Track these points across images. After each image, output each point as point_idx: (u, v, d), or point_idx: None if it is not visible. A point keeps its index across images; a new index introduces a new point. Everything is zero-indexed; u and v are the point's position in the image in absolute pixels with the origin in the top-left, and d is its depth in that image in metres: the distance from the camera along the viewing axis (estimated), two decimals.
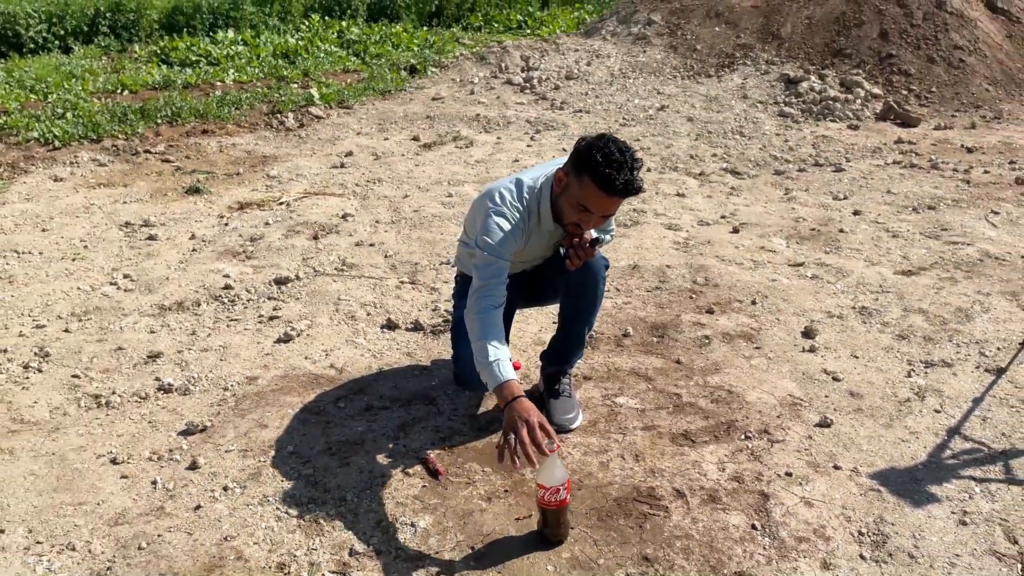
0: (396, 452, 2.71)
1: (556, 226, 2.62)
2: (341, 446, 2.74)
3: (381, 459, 2.67)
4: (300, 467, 2.62)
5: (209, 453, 2.69)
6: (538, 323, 3.68)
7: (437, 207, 5.15)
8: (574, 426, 2.87)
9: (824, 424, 2.93)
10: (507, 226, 2.52)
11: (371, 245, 4.51)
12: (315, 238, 4.61)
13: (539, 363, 3.20)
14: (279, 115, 7.23)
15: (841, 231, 4.87)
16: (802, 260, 4.44)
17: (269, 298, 3.87)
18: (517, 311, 3.01)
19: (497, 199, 2.56)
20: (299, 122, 7.15)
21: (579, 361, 3.11)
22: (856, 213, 5.21)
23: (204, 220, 4.88)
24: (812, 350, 3.48)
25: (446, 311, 3.78)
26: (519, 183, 2.62)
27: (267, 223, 4.80)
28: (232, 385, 3.12)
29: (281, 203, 5.15)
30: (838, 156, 6.52)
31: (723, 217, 5.14)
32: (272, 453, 2.69)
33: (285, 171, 5.83)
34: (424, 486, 2.54)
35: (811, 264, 4.39)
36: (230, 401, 3.01)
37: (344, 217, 4.90)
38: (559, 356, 2.98)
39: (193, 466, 2.62)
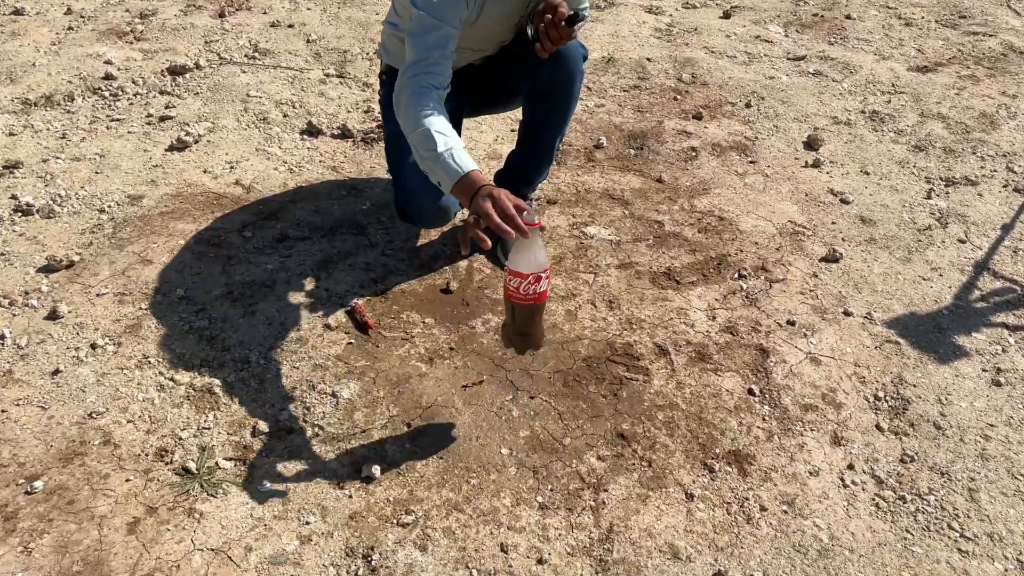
0: (315, 297, 2.18)
1: None
2: (245, 289, 2.19)
3: (296, 307, 2.14)
4: (192, 317, 2.08)
5: (75, 297, 2.13)
6: (493, 131, 3.04)
7: None
8: None
9: (831, 258, 2.46)
10: None
11: (290, 26, 3.70)
12: (220, 15, 3.76)
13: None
14: None
15: (848, 17, 4.17)
16: (803, 53, 3.78)
17: (161, 92, 3.13)
18: (464, 120, 2.37)
19: None
20: None
21: (543, 181, 2.54)
22: None
23: None
24: (816, 165, 2.94)
25: (379, 113, 3.10)
26: None
27: None
28: (110, 206, 2.49)
29: None
30: None
31: None
32: (156, 298, 2.13)
33: None
34: (350, 343, 2.04)
35: (814, 58, 3.74)
36: (106, 227, 2.40)
37: None
38: (520, 175, 2.40)
39: (53, 315, 2.06)
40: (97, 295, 2.14)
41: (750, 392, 1.97)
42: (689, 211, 2.66)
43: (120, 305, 2.11)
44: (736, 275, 2.38)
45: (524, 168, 2.37)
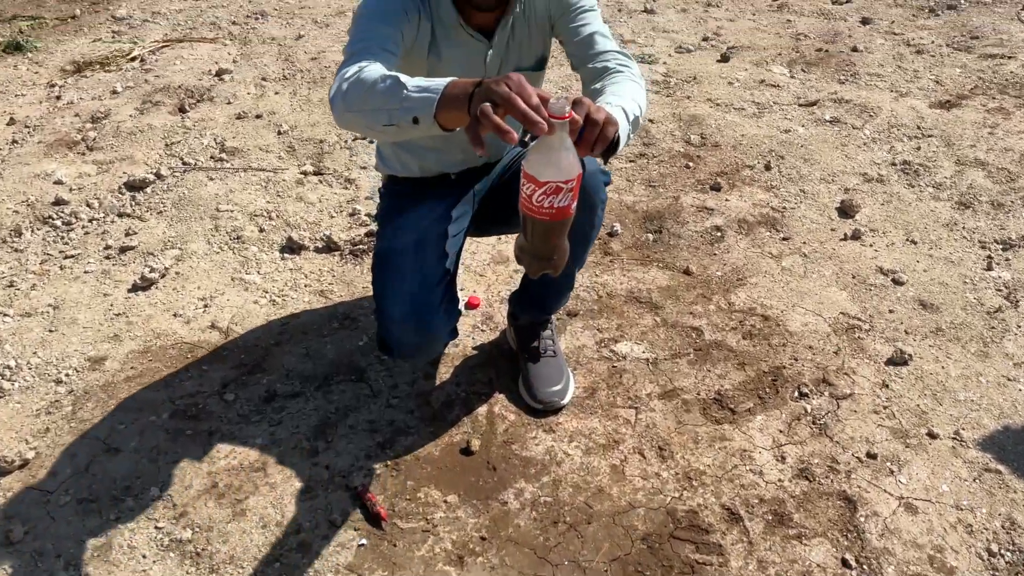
0: (315, 480, 1.85)
1: (477, 36, 1.65)
2: (232, 478, 1.86)
3: (293, 497, 1.81)
4: (171, 526, 1.75)
5: (31, 510, 1.79)
6: None
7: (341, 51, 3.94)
8: (564, 401, 2.03)
9: (899, 360, 2.15)
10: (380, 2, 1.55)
11: (258, 117, 3.37)
12: (181, 110, 3.44)
13: (505, 303, 2.31)
14: None
15: (854, 49, 3.90)
16: (815, 96, 3.49)
17: (120, 214, 2.79)
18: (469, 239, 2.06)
19: None
20: None
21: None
22: (865, 22, 4.21)
23: (28, 93, 3.61)
24: (856, 236, 2.64)
25: (367, 215, 2.79)
26: None
27: (114, 91, 3.58)
28: (68, 374, 2.16)
29: (133, 59, 3.87)
30: None
31: (706, 39, 4.08)
32: (127, 503, 1.80)
33: (136, 8, 4.45)
34: (361, 544, 1.71)
35: (827, 102, 3.45)
36: (64, 404, 2.06)
37: (219, 75, 3.69)
38: (536, 303, 2.08)
39: (7, 540, 1.72)
40: (58, 506, 1.80)
41: (845, 564, 1.65)
42: (728, 311, 2.35)
43: (85, 517, 1.77)
44: (796, 393, 2.07)
45: (540, 296, 2.05)
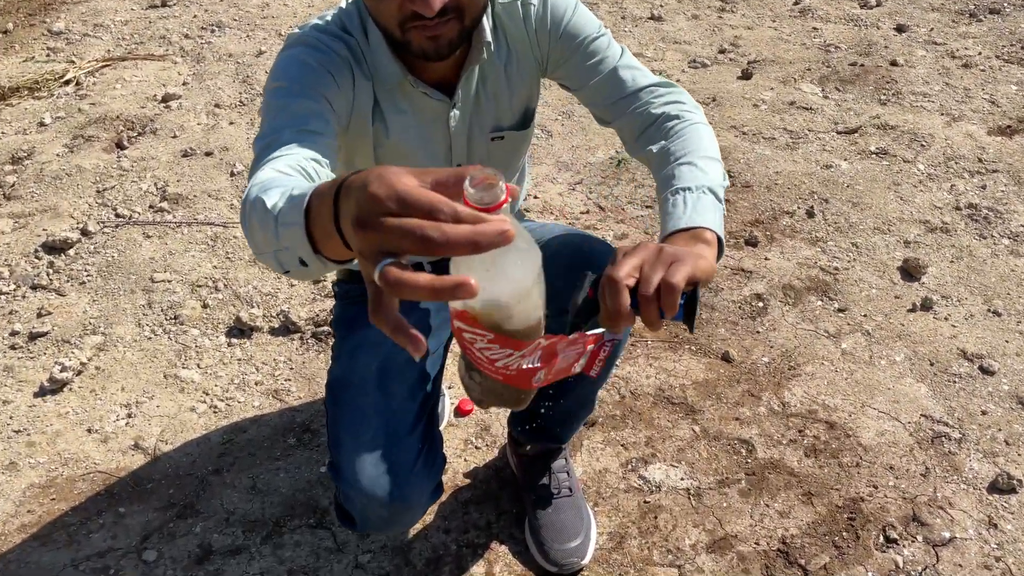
0: None
1: (433, 92, 1.19)
2: None
3: None
4: None
5: None
6: None
7: None
8: (585, 561, 1.57)
9: (1005, 487, 1.70)
10: (302, 54, 1.12)
11: (208, 154, 2.87)
12: (119, 146, 2.93)
13: (504, 425, 1.84)
14: None
15: (893, 64, 3.43)
16: (855, 122, 3.03)
17: (34, 287, 2.30)
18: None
19: (296, 31, 1.18)
20: None
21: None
22: (900, 29, 3.74)
23: None
24: (927, 306, 2.18)
25: (333, 282, 2.30)
26: (340, 7, 1.21)
27: (42, 123, 3.06)
28: None
29: (67, 81, 3.36)
30: None
31: (723, 51, 3.61)
32: None
33: (77, 20, 3.92)
34: None
35: (870, 128, 2.99)
36: None
37: (166, 101, 3.19)
38: (545, 431, 1.60)
39: None
40: None
41: None
42: (782, 415, 1.88)
43: None
44: (881, 539, 1.61)
45: (551, 421, 1.58)
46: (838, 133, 2.97)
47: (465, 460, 1.80)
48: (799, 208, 2.58)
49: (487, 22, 1.17)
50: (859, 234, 2.46)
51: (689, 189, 1.04)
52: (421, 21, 1.01)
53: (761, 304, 2.21)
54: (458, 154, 1.27)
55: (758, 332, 2.13)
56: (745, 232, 2.47)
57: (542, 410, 1.56)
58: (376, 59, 1.15)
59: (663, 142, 1.16)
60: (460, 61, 1.18)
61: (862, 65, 3.43)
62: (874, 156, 2.83)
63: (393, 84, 1.17)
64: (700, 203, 1.02)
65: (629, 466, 1.77)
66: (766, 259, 2.37)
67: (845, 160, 2.81)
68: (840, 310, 2.19)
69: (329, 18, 1.18)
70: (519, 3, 1.20)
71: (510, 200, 0.59)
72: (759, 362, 2.03)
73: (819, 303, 2.22)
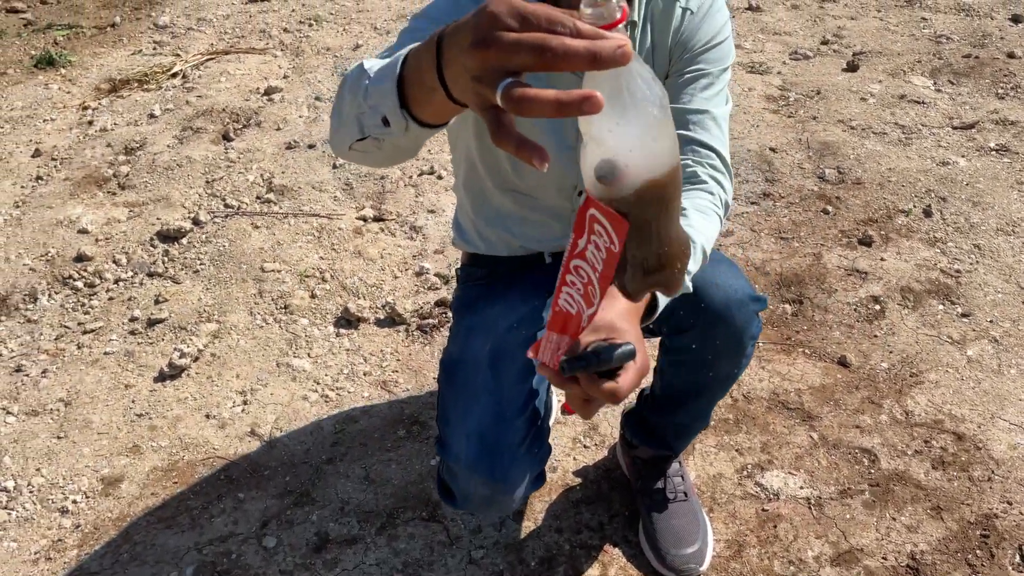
0: None
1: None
2: None
3: None
4: None
5: None
6: None
7: None
8: (703, 567, 1.53)
9: None
10: None
11: (310, 147, 2.92)
12: (225, 138, 3.01)
13: (613, 424, 1.82)
14: None
15: (1011, 56, 3.26)
16: (972, 117, 2.89)
17: (150, 274, 2.37)
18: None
19: None
20: None
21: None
22: (1016, 19, 3.55)
23: (58, 117, 3.23)
24: None
25: (436, 275, 2.32)
26: None
27: (152, 115, 3.17)
28: (75, 501, 1.74)
29: (174, 74, 3.46)
30: None
31: (825, 43, 3.49)
32: None
33: (181, 15, 4.04)
34: None
35: (988, 124, 2.85)
36: (68, 546, 1.65)
37: (268, 94, 3.26)
38: (657, 436, 1.57)
39: None
40: None
41: None
42: (906, 424, 1.81)
43: None
44: (1018, 558, 1.53)
45: (665, 431, 1.54)
46: (954, 128, 2.84)
47: (574, 459, 1.78)
48: (915, 207, 2.47)
49: (638, 5, 1.14)
50: (981, 235, 2.35)
51: (692, 241, 1.03)
52: None
53: (878, 307, 2.13)
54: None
55: (876, 336, 2.05)
56: (858, 231, 2.38)
57: (653, 421, 1.53)
58: None
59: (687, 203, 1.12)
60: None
61: (976, 57, 3.27)
62: (994, 153, 2.69)
63: None
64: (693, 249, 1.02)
65: (745, 472, 1.73)
66: (882, 260, 2.28)
67: (963, 157, 2.68)
68: (964, 315, 2.09)
69: None
70: (679, 5, 1.16)
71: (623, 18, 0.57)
72: (878, 368, 1.96)
73: (941, 307, 2.12)
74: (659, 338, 1.37)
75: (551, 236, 1.37)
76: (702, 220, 1.10)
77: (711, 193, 1.14)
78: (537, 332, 1.34)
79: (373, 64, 0.83)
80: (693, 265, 1.04)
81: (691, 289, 1.11)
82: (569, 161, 1.22)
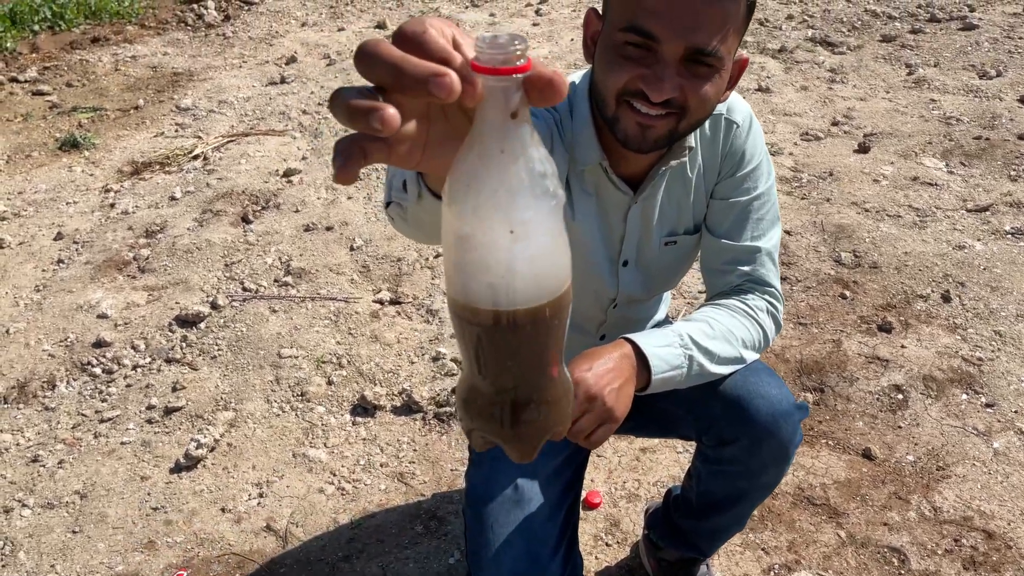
0: None
1: (621, 185, 1.17)
2: None
3: None
4: None
5: None
6: None
7: None
8: None
9: None
10: None
11: (328, 229, 2.96)
12: (244, 220, 3.05)
13: (635, 501, 1.79)
14: (196, 3, 5.39)
15: (1021, 137, 3.29)
16: (986, 200, 2.90)
17: (168, 360, 2.38)
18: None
19: None
20: (223, 13, 5.33)
21: None
22: None
23: (81, 199, 3.29)
24: None
25: (453, 360, 2.31)
26: None
27: (173, 197, 3.22)
28: None
29: (195, 156, 3.54)
30: (957, 3, 4.78)
31: (836, 124, 3.54)
32: None
33: (203, 97, 4.15)
34: None
35: (1001, 206, 2.86)
36: None
37: (287, 175, 3.32)
38: (684, 540, 1.53)
39: None
40: None
41: None
42: (934, 521, 1.77)
43: None
44: None
45: (696, 536, 1.51)
46: (968, 211, 2.85)
47: (596, 558, 1.74)
48: (933, 292, 2.47)
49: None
50: (1002, 321, 2.33)
51: (678, 332, 1.13)
52: (642, 102, 0.99)
53: (901, 396, 2.10)
54: (628, 249, 1.25)
55: (900, 427, 2.02)
56: (877, 317, 2.37)
57: (686, 526, 1.49)
58: (578, 138, 1.14)
59: (720, 299, 1.23)
60: (654, 160, 1.16)
61: (987, 139, 3.30)
62: (1010, 236, 2.70)
63: (587, 167, 1.15)
64: (666, 339, 1.11)
65: (772, 572, 1.68)
66: (902, 347, 2.26)
67: (979, 240, 2.69)
68: (988, 405, 2.07)
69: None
70: (724, 118, 1.18)
71: (526, 70, 0.46)
72: (904, 460, 1.92)
73: (964, 397, 2.09)
74: (694, 443, 1.35)
75: (573, 347, 1.36)
76: (725, 321, 1.17)
77: (746, 302, 1.21)
78: (565, 458, 1.32)
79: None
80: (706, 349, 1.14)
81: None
82: (612, 275, 1.24)
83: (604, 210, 1.21)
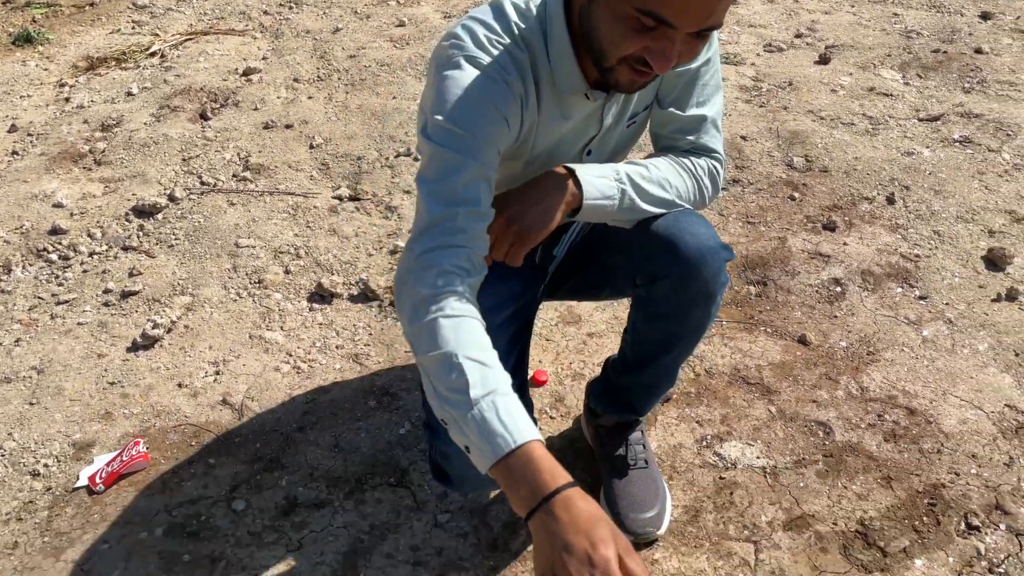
0: None
1: (595, 94, 1.20)
2: None
3: None
4: None
5: None
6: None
7: (384, 47, 3.48)
8: (661, 531, 1.58)
9: None
10: (477, 89, 1.09)
11: (287, 127, 2.94)
12: (202, 116, 3.02)
13: (578, 378, 1.87)
14: None
15: (978, 51, 3.34)
16: (938, 110, 2.96)
17: (124, 247, 2.39)
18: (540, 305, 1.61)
19: (459, 37, 1.13)
20: None
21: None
22: (986, 16, 3.63)
23: (35, 93, 3.23)
24: (1012, 297, 2.14)
25: None
26: (498, 6, 1.16)
27: (130, 93, 3.17)
28: (47, 465, 1.76)
29: (152, 53, 3.47)
30: None
31: (799, 36, 3.55)
32: None
33: None
34: None
35: (953, 116, 2.92)
36: (40, 506, 1.67)
37: (247, 74, 3.27)
38: (624, 402, 1.62)
39: None
40: None
41: None
42: (860, 399, 1.87)
43: None
44: (963, 525, 1.59)
45: (631, 393, 1.59)
46: (920, 120, 2.91)
47: (541, 429, 1.82)
48: (879, 194, 2.54)
49: None
50: (941, 222, 2.42)
51: (616, 168, 1.23)
52: (643, 68, 1.03)
53: (839, 289, 2.19)
54: (595, 141, 1.31)
55: (836, 317, 2.11)
56: (823, 217, 2.44)
57: (621, 383, 1.58)
58: (557, 69, 1.16)
59: (663, 155, 1.33)
60: None
61: (945, 52, 3.34)
62: (957, 144, 2.77)
63: (569, 93, 1.19)
64: (603, 171, 1.22)
65: (704, 442, 1.78)
66: (844, 244, 2.34)
67: (927, 148, 2.75)
68: (921, 297, 2.16)
69: (514, 19, 1.14)
70: None
71: None
72: (837, 346, 2.02)
73: (899, 290, 2.19)
74: (630, 298, 1.44)
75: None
76: (668, 169, 1.27)
77: (687, 158, 1.31)
78: (517, 310, 1.38)
79: (472, 374, 0.96)
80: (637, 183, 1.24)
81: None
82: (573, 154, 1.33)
83: (580, 121, 1.26)
